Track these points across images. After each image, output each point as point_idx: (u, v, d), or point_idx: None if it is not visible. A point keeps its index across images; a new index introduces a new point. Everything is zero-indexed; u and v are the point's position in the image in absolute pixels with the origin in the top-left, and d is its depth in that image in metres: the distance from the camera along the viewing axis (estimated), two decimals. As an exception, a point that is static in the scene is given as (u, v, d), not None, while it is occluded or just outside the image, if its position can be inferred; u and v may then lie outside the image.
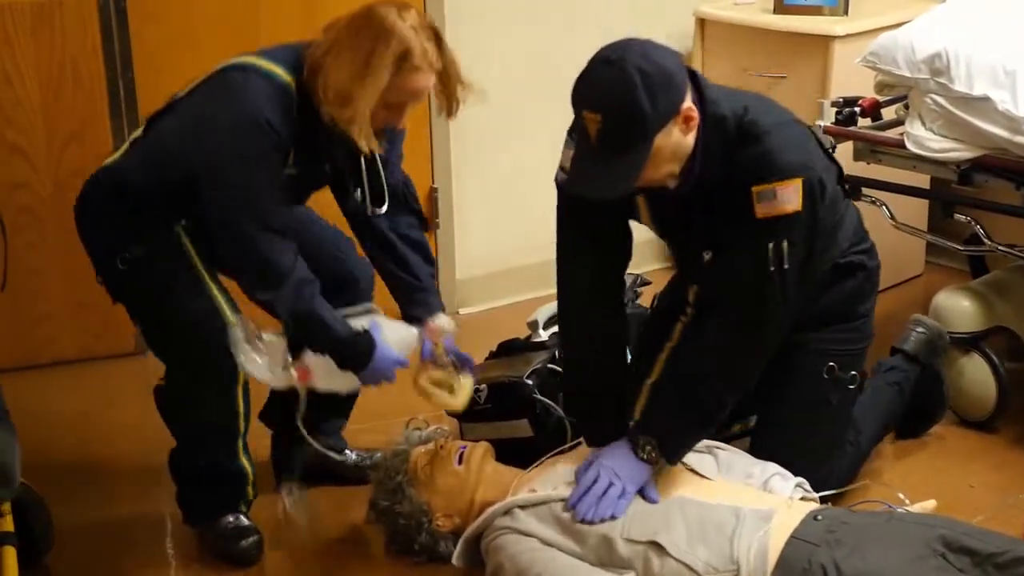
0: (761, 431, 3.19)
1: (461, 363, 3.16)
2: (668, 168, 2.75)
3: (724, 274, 2.86)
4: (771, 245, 2.75)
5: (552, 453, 3.13)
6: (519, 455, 3.16)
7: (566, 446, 3.16)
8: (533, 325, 3.58)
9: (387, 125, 2.97)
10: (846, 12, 4.29)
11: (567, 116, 4.52)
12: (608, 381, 3.04)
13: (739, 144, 2.76)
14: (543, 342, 3.52)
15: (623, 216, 3.00)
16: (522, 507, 2.90)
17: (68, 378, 4.13)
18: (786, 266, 2.77)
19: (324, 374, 3.02)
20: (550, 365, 3.44)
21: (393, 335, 3.05)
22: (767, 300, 2.81)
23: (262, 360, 2.95)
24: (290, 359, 2.98)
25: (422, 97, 2.97)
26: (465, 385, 3.11)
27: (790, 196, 2.73)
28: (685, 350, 3.10)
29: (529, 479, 3.01)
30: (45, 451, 3.53)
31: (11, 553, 2.81)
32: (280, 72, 2.92)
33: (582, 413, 3.11)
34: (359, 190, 3.12)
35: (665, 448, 2.87)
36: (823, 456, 3.13)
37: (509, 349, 3.60)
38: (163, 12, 4.02)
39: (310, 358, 3.00)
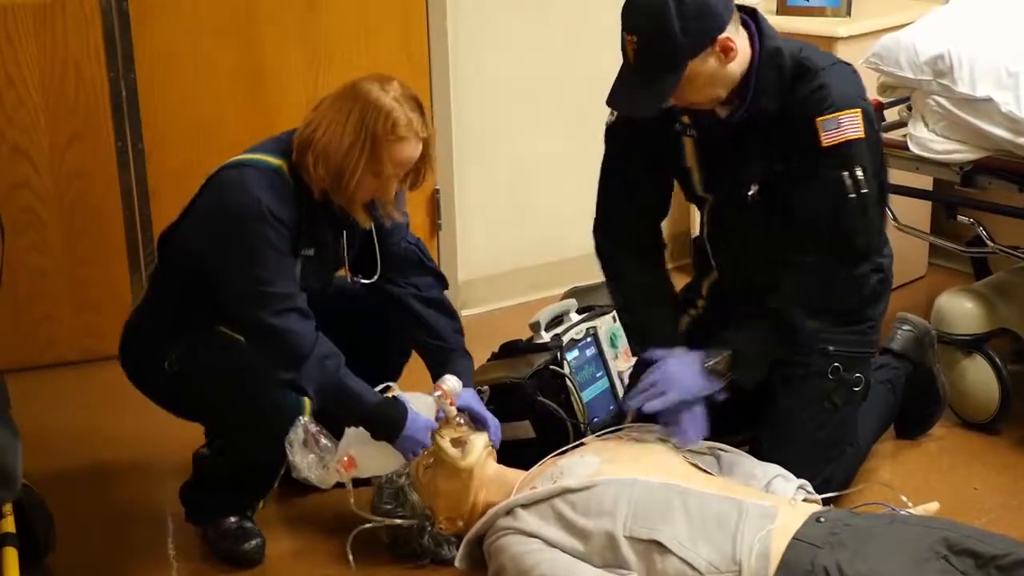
0: (764, 429, 3.19)
1: (477, 422, 3.14)
2: (708, 93, 2.91)
3: (803, 211, 2.96)
4: (845, 173, 2.90)
5: (554, 454, 3.13)
6: (521, 457, 3.16)
7: (568, 447, 3.16)
8: (535, 327, 3.58)
9: (376, 197, 3.05)
10: (849, 13, 4.29)
11: (570, 117, 4.55)
12: (655, 312, 3.23)
13: (796, 78, 2.92)
14: (545, 344, 3.52)
15: (668, 160, 3.13)
16: (524, 506, 2.89)
17: (70, 379, 4.13)
18: (864, 190, 2.92)
19: (365, 458, 3.02)
20: (552, 367, 3.43)
21: (416, 404, 3.06)
22: (853, 226, 2.95)
23: (312, 460, 2.99)
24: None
25: (408, 166, 3.02)
26: (475, 443, 3.07)
27: (853, 124, 2.90)
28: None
29: (531, 478, 3.01)
30: (47, 452, 3.53)
31: (12, 554, 2.81)
32: (270, 159, 3.01)
33: (633, 329, 3.28)
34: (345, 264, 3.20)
35: (739, 363, 3.02)
36: (824, 458, 3.14)
37: (511, 350, 3.59)
38: (165, 12, 4.02)
39: (352, 447, 3.01)
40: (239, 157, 3.05)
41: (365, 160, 2.94)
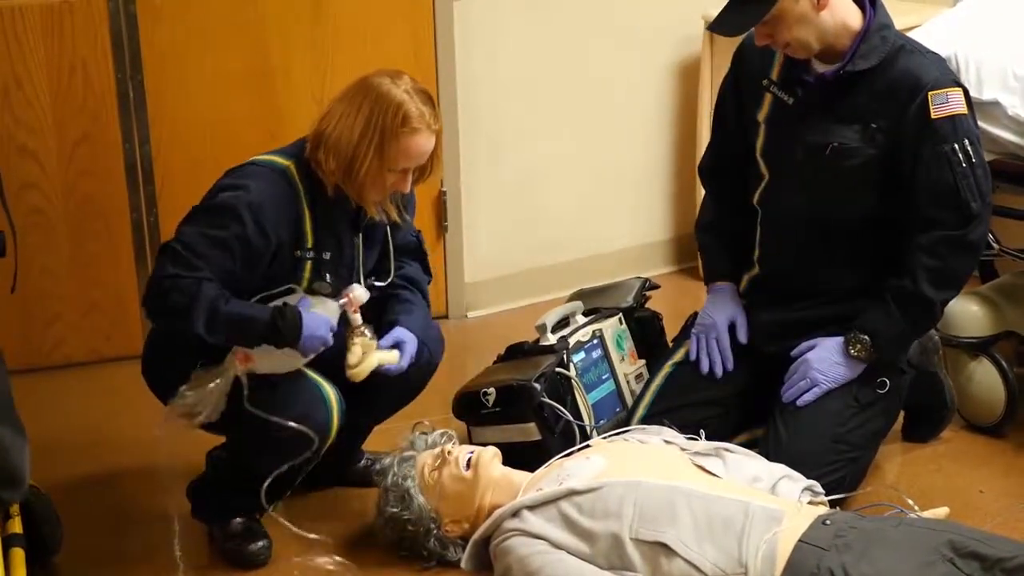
0: (784, 417, 3.21)
1: (396, 345, 3.17)
2: (798, 35, 3.09)
3: (926, 186, 3.11)
4: (956, 145, 3.08)
5: (560, 456, 3.13)
6: (527, 459, 3.16)
7: (574, 448, 3.16)
8: (541, 328, 3.58)
9: (394, 191, 3.07)
10: (856, 16, 4.28)
11: (576, 119, 4.55)
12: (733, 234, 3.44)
13: (900, 52, 3.13)
14: (551, 346, 3.52)
15: (748, 110, 3.32)
16: (530, 508, 2.89)
17: (77, 380, 4.13)
18: (974, 160, 3.10)
19: (263, 353, 3.00)
20: (558, 369, 3.44)
21: (321, 308, 3.06)
22: (969, 196, 3.10)
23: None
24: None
25: (423, 159, 3.04)
26: (373, 357, 3.07)
27: (959, 101, 3.10)
28: (899, 267, 3.19)
29: (536, 480, 3.01)
30: (54, 453, 3.53)
31: (20, 555, 2.81)
32: (278, 159, 3.05)
33: (709, 250, 3.53)
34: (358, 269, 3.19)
35: (879, 345, 3.17)
36: (842, 457, 3.16)
37: (517, 352, 3.59)
38: (173, 13, 4.03)
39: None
40: (251, 158, 3.08)
41: (375, 151, 2.95)
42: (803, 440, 3.15)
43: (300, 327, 2.95)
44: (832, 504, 3.00)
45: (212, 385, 2.98)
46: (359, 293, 3.10)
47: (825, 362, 3.21)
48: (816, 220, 3.24)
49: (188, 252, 2.93)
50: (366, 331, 3.08)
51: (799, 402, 3.20)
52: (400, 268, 3.31)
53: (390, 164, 2.99)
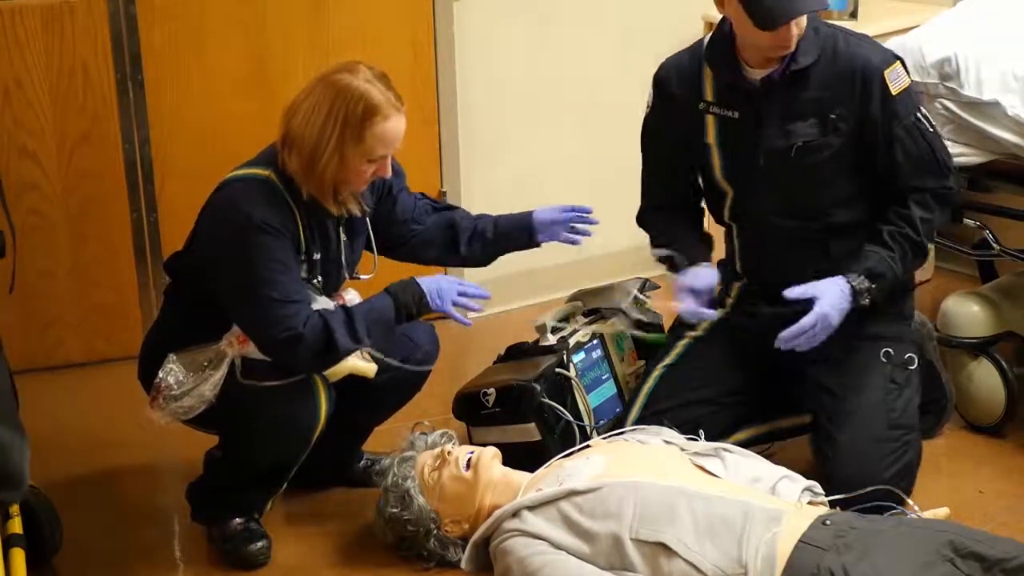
0: (835, 424, 3.20)
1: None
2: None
3: (908, 153, 3.18)
4: (917, 115, 3.19)
5: (560, 456, 3.13)
6: (527, 459, 3.17)
7: (574, 448, 3.16)
8: (541, 329, 3.58)
9: (376, 179, 3.08)
10: (855, 16, 4.28)
11: (576, 119, 4.55)
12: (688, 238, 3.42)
13: (835, 40, 3.18)
14: (551, 346, 3.52)
15: (692, 139, 3.30)
16: (530, 508, 2.90)
17: (77, 381, 4.13)
18: (932, 122, 3.24)
19: None
20: (558, 369, 3.44)
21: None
22: (944, 156, 3.23)
23: None
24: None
25: (399, 142, 3.04)
26: (346, 363, 3.10)
27: (903, 73, 3.21)
28: (890, 215, 3.24)
29: (536, 481, 3.01)
30: (54, 453, 3.53)
31: (20, 555, 2.81)
32: (255, 171, 3.05)
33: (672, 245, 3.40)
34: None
35: (882, 288, 3.18)
36: (901, 441, 3.18)
37: (517, 353, 3.59)
38: (173, 14, 4.03)
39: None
40: (227, 176, 3.07)
41: (336, 146, 2.94)
42: (863, 438, 3.16)
43: (420, 289, 3.03)
44: (832, 504, 3.00)
45: (208, 371, 2.99)
46: (351, 296, 3.13)
47: (839, 310, 3.15)
48: (795, 218, 3.25)
49: (280, 294, 2.94)
50: None
51: (803, 347, 3.14)
52: (414, 234, 3.34)
53: (368, 154, 2.98)
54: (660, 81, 3.37)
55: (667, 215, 3.46)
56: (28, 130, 3.99)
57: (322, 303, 3.05)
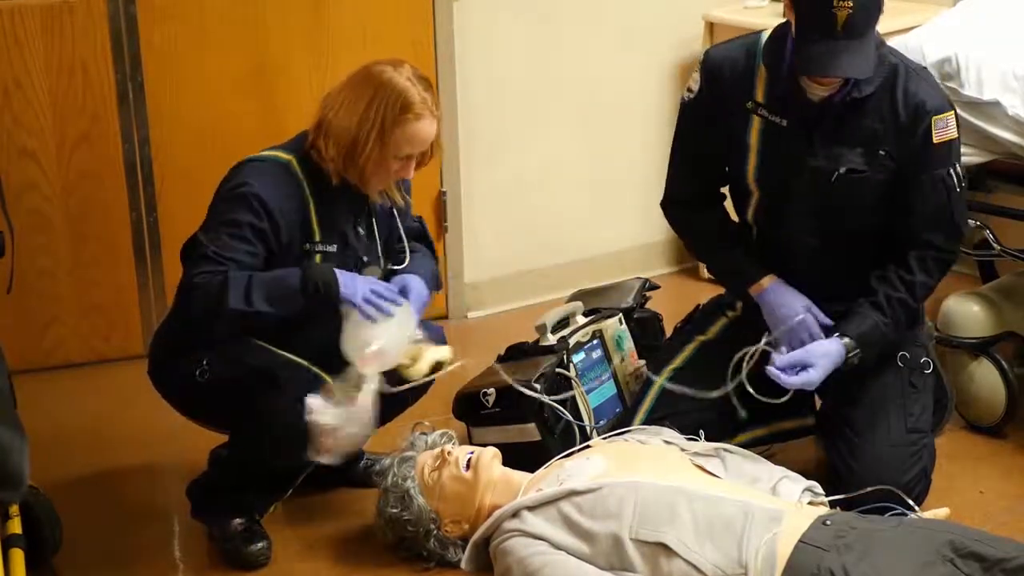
0: (861, 436, 3.19)
1: (432, 336, 3.20)
2: None
3: (923, 204, 3.14)
4: (950, 169, 3.13)
5: (560, 456, 3.13)
6: (527, 459, 3.16)
7: (574, 449, 3.16)
8: (541, 329, 3.58)
9: (399, 179, 3.11)
10: (856, 16, 4.27)
11: (577, 119, 4.55)
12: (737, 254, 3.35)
13: (898, 73, 3.10)
14: (551, 346, 3.52)
15: (734, 136, 3.21)
16: (530, 508, 2.89)
17: (77, 381, 4.13)
18: (963, 183, 3.17)
19: (379, 341, 3.02)
20: (558, 369, 3.43)
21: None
22: (960, 219, 3.19)
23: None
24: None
25: (427, 145, 3.07)
26: (426, 354, 3.11)
27: (952, 124, 3.13)
28: (890, 274, 3.20)
29: (536, 481, 3.01)
30: (54, 454, 3.53)
31: (20, 555, 2.81)
32: (279, 154, 3.08)
33: (734, 256, 3.35)
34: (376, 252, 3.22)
35: (868, 353, 3.15)
36: (920, 445, 3.19)
37: (517, 353, 3.59)
38: (173, 13, 4.03)
39: (354, 347, 3.03)
40: (251, 155, 3.10)
41: (377, 138, 2.98)
42: (882, 443, 3.15)
43: (333, 274, 2.99)
44: (832, 504, 3.00)
45: (354, 396, 2.99)
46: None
47: (825, 372, 3.12)
48: (821, 234, 3.22)
49: (214, 248, 2.96)
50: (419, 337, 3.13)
51: (786, 382, 3.10)
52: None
53: (394, 151, 3.02)
54: (711, 69, 3.25)
55: (700, 221, 3.39)
56: (28, 130, 3.99)
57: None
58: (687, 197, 3.38)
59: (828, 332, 3.19)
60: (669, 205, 3.44)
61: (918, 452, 3.18)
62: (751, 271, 3.29)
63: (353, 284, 3.01)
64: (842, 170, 3.12)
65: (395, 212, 3.25)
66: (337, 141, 3.01)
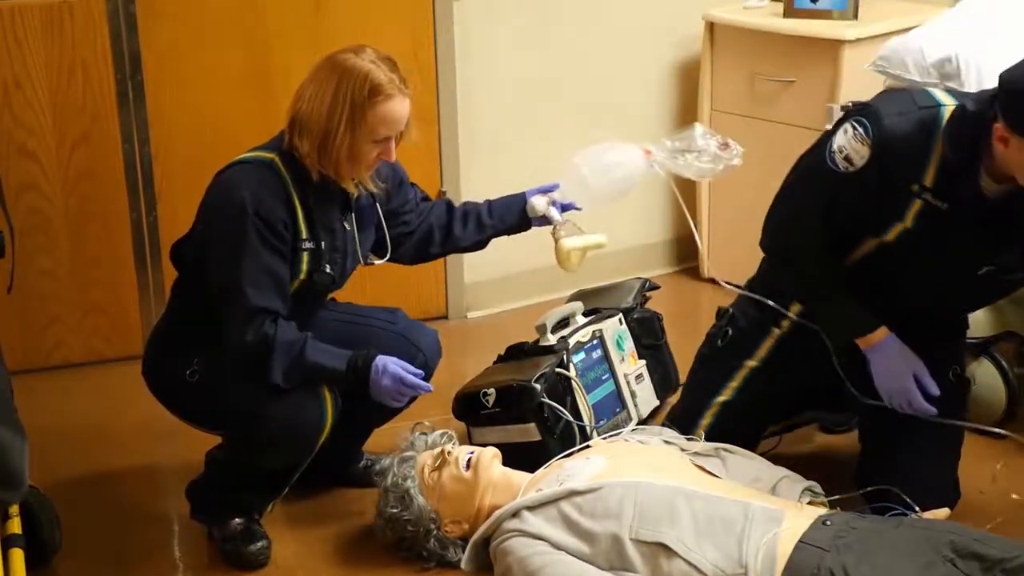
0: (909, 441, 3.16)
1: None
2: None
3: None
4: None
5: (560, 456, 3.13)
6: (527, 459, 3.16)
7: (574, 449, 3.16)
8: (541, 329, 3.58)
9: (383, 161, 3.09)
10: (856, 16, 4.29)
11: (577, 118, 4.55)
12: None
13: None
14: (551, 346, 3.52)
15: (885, 213, 3.01)
16: (530, 508, 2.89)
17: (77, 381, 4.13)
18: None
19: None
20: (558, 369, 3.43)
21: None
22: None
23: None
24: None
25: (402, 124, 3.05)
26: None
27: None
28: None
29: (536, 481, 3.01)
30: (53, 454, 3.54)
31: (19, 555, 2.81)
32: (263, 154, 3.06)
33: (846, 303, 3.15)
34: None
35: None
36: (958, 454, 3.22)
37: (517, 353, 3.59)
38: (173, 13, 4.03)
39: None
40: (235, 158, 3.09)
41: (347, 125, 2.96)
42: (932, 458, 3.15)
43: (368, 379, 3.02)
44: (832, 504, 3.00)
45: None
46: (536, 203, 3.41)
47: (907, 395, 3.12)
48: (930, 301, 3.14)
49: (250, 291, 2.96)
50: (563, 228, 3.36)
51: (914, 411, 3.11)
52: (415, 227, 3.37)
53: (371, 136, 3.00)
54: (884, 144, 2.92)
55: (817, 266, 3.16)
56: (28, 130, 3.99)
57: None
58: (810, 246, 3.12)
59: (932, 401, 3.11)
60: (805, 248, 3.16)
61: (957, 458, 3.21)
62: (865, 323, 3.11)
63: (384, 368, 3.03)
64: (993, 267, 3.00)
65: (376, 202, 3.23)
66: (310, 134, 2.99)
